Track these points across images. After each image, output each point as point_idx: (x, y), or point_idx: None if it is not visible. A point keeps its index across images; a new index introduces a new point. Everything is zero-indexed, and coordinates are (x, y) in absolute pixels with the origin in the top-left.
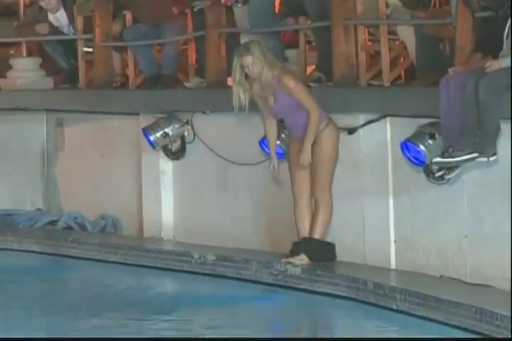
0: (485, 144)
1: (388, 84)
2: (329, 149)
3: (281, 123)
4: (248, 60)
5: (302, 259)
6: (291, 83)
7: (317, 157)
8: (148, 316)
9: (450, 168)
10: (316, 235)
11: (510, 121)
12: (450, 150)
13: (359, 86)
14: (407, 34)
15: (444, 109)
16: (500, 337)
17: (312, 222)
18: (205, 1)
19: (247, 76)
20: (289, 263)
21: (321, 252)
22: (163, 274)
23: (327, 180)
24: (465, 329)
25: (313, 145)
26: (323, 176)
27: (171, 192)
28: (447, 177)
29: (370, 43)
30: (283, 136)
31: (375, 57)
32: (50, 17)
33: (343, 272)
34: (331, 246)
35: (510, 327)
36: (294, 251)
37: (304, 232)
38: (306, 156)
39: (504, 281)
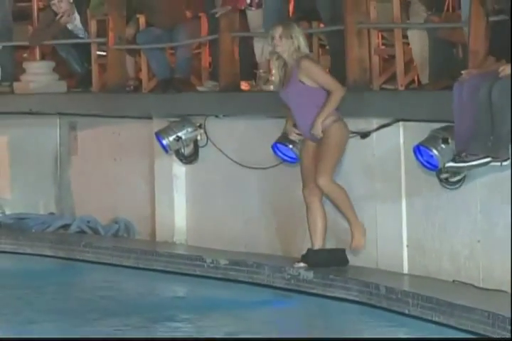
0: (498, 149)
1: (403, 88)
2: (334, 143)
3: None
4: (278, 30)
5: (358, 238)
6: (309, 64)
7: (322, 150)
8: (160, 321)
9: (458, 172)
10: (352, 222)
11: None
12: (463, 154)
13: (372, 90)
14: (415, 39)
15: (457, 114)
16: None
17: (343, 214)
18: (227, 7)
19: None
20: (356, 248)
21: (327, 261)
22: (175, 278)
23: (328, 173)
24: (478, 334)
25: (319, 139)
26: (325, 168)
27: (184, 196)
28: (452, 179)
29: (383, 47)
30: (297, 141)
31: (388, 61)
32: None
33: (355, 276)
34: (338, 252)
35: None
36: (304, 259)
37: (315, 239)
38: (316, 131)
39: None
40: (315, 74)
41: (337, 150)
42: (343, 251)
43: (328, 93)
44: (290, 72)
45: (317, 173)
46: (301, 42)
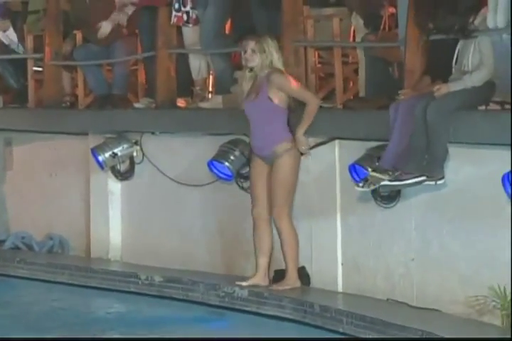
0: (433, 168)
1: (341, 106)
2: (286, 173)
3: (225, 145)
4: (250, 44)
5: (287, 284)
6: (280, 77)
7: (274, 180)
8: (93, 337)
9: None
10: (290, 269)
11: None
12: (398, 173)
13: None
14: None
15: (392, 132)
16: None
17: (283, 255)
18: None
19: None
20: (277, 290)
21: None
22: (109, 295)
23: (282, 204)
24: None
25: (272, 167)
26: (278, 200)
27: (119, 212)
28: (389, 205)
29: (319, 65)
30: (232, 157)
31: (324, 79)
32: (1, 35)
33: (289, 295)
34: (301, 271)
35: None
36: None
37: (263, 251)
38: (303, 145)
39: (451, 305)
40: (287, 87)
41: (290, 180)
42: (303, 268)
43: (291, 111)
44: (259, 86)
45: (273, 205)
46: (274, 56)
